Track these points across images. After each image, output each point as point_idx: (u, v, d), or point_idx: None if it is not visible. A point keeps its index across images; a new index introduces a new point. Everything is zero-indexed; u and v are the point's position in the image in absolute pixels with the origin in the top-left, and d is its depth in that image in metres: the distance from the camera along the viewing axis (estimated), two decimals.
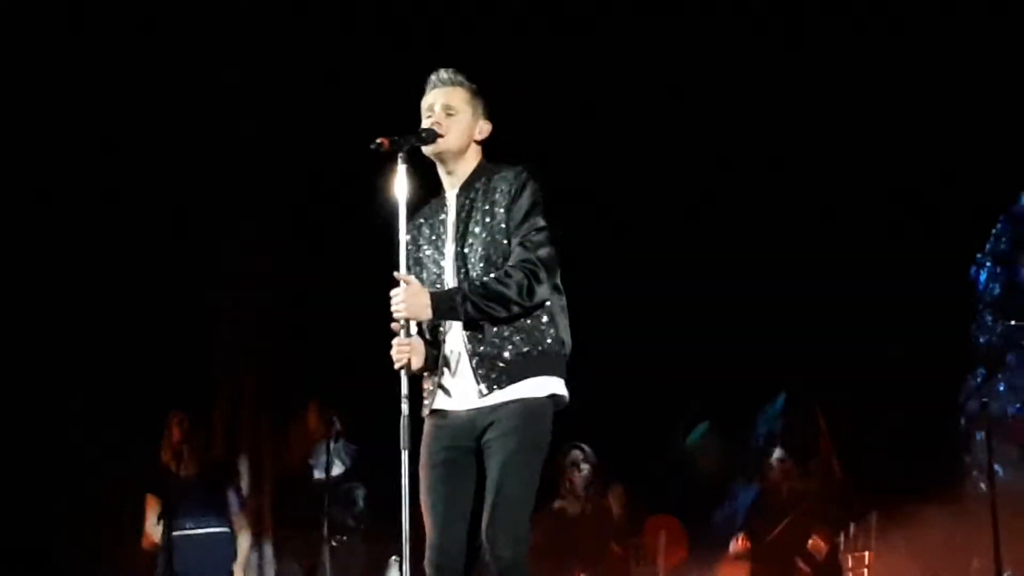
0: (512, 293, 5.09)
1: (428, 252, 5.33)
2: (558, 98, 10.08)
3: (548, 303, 5.21)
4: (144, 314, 10.40)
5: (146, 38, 10.30)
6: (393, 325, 5.14)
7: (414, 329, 5.15)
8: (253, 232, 11.18)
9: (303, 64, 10.60)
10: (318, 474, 9.39)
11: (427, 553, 5.16)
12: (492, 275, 5.13)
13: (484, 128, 5.37)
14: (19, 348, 10.16)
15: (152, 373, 10.27)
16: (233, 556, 9.09)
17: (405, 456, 5.07)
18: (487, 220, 5.22)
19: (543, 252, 5.16)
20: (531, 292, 5.11)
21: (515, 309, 5.12)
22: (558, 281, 5.26)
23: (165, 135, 10.45)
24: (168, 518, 8.87)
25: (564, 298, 5.30)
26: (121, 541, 9.75)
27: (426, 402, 5.25)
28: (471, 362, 5.16)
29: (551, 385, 5.20)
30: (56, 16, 10.20)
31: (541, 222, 5.20)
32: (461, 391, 5.20)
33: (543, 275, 5.13)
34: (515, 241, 5.18)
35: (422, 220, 5.41)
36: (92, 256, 10.39)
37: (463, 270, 5.22)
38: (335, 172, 9.84)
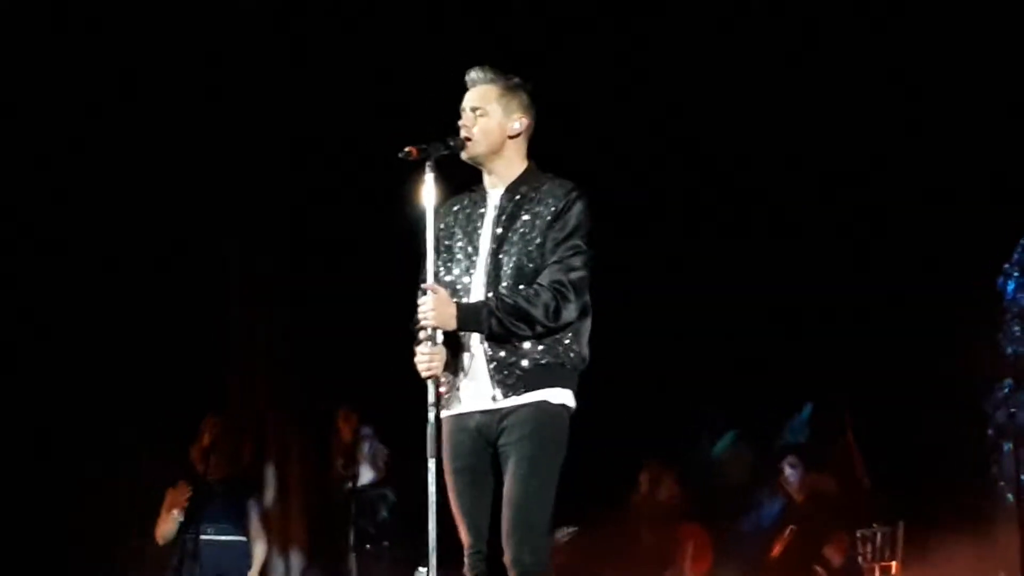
0: (539, 314, 5.09)
1: (461, 242, 5.31)
2: (581, 97, 10.08)
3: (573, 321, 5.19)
4: (168, 317, 10.41)
5: (157, 37, 10.35)
6: (420, 334, 5.15)
7: (440, 337, 5.15)
8: (277, 238, 11.19)
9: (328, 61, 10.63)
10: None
11: (466, 560, 5.17)
12: (521, 292, 5.11)
13: (521, 123, 5.31)
14: (35, 356, 10.18)
15: (178, 378, 10.29)
16: (248, 565, 9.10)
17: (432, 464, 5.08)
18: (526, 231, 5.20)
19: (575, 275, 5.14)
20: (557, 314, 5.11)
21: (539, 329, 5.11)
22: (587, 300, 5.23)
23: (182, 140, 10.47)
24: (187, 521, 8.89)
25: (590, 317, 5.27)
26: (133, 545, 9.76)
27: (444, 400, 5.23)
28: (488, 366, 5.16)
29: (564, 396, 5.21)
30: (62, 13, 10.24)
31: (581, 244, 5.18)
32: (475, 394, 5.20)
33: (572, 297, 5.12)
34: (551, 259, 5.16)
35: (458, 207, 5.38)
36: (114, 261, 10.41)
37: (494, 274, 5.20)
38: (361, 176, 9.84)
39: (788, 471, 9.78)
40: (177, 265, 10.49)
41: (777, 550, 9.58)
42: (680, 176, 10.33)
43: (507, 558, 5.06)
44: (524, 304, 5.09)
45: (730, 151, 10.29)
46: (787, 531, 9.54)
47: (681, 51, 10.23)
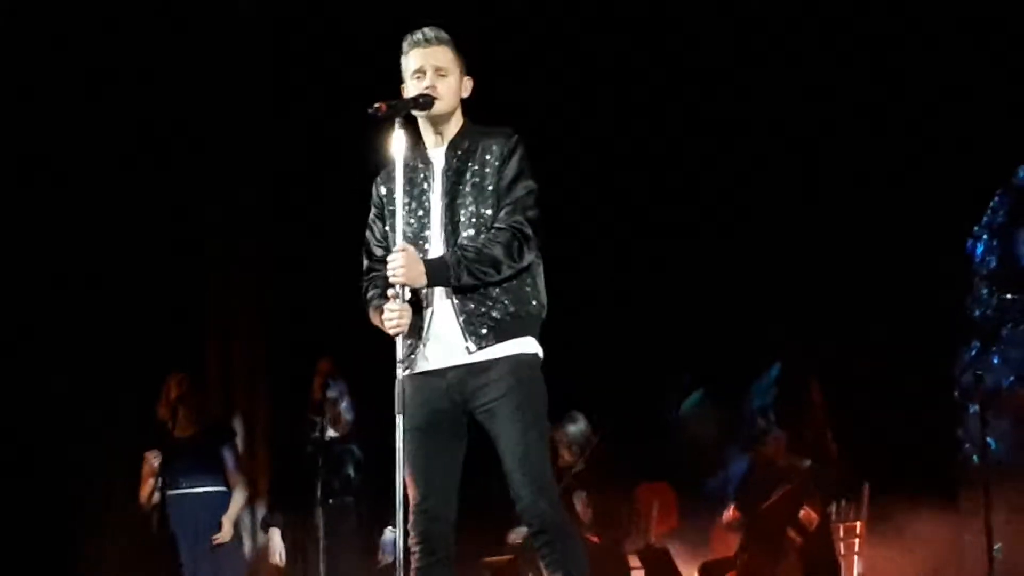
0: (503, 255, 5.14)
1: (411, 205, 5.31)
2: (545, 55, 10.07)
3: (531, 265, 5.26)
4: (136, 275, 10.39)
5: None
6: (388, 291, 5.15)
7: (408, 295, 5.15)
8: (247, 191, 11.18)
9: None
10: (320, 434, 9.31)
11: (412, 517, 5.16)
12: (482, 238, 5.16)
13: (467, 85, 5.39)
14: (6, 314, 10.16)
15: (145, 335, 10.28)
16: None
17: (400, 420, 5.08)
18: (477, 181, 5.24)
19: (531, 214, 5.22)
20: (520, 253, 5.17)
21: (506, 271, 5.17)
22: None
23: (156, 94, 10.46)
24: (163, 477, 8.89)
25: (541, 260, 5.34)
26: (111, 505, 9.77)
27: (408, 360, 5.21)
28: (459, 319, 5.19)
29: (534, 346, 5.27)
30: None
31: (531, 184, 5.26)
32: (445, 350, 5.22)
33: (531, 234, 5.19)
34: (505, 202, 5.21)
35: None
36: (82, 219, 10.38)
37: (451, 227, 5.23)
38: (329, 130, 9.83)
39: (774, 436, 9.75)
40: (153, 227, 10.49)
41: (766, 505, 9.58)
42: (646, 134, 10.31)
43: (522, 508, 5.11)
44: (489, 249, 5.14)
45: (696, 110, 10.28)
46: (780, 492, 9.52)
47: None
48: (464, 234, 5.20)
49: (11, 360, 10.14)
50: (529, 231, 5.19)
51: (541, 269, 5.35)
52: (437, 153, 5.36)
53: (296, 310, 10.61)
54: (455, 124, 5.37)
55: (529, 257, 5.21)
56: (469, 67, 5.39)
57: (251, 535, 10.77)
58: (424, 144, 5.40)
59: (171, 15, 10.45)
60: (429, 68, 5.29)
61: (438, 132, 5.36)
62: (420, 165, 5.35)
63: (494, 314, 5.18)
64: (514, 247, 5.15)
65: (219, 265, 11.22)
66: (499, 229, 5.17)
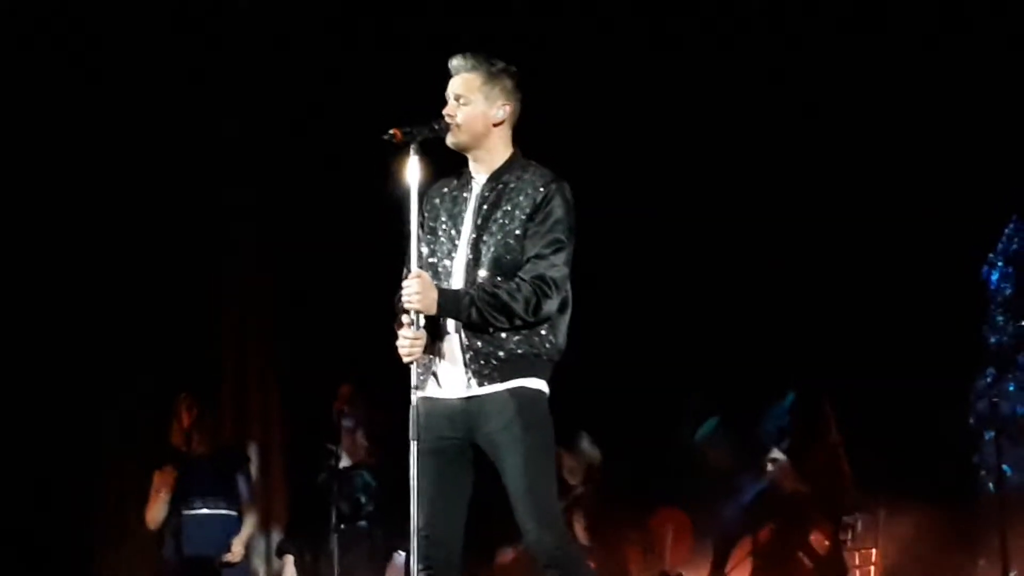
0: (519, 308, 5.08)
1: (445, 225, 5.30)
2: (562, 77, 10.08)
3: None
4: (149, 295, 10.40)
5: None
6: (403, 318, 5.15)
7: (422, 321, 5.13)
8: (262, 212, 11.19)
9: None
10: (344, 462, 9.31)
11: (416, 542, 5.12)
12: (503, 286, 5.10)
13: (504, 111, 5.28)
14: (23, 333, 10.16)
15: (159, 355, 10.30)
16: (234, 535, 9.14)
17: (414, 447, 5.06)
18: (505, 223, 5.19)
19: (556, 272, 5.13)
20: (537, 309, 5.10)
21: (517, 323, 5.10)
22: (567, 294, 5.23)
23: (180, 114, 10.47)
24: (178, 497, 8.89)
25: (570, 307, 5.27)
26: (125, 523, 9.77)
27: (419, 381, 5.19)
28: (464, 355, 5.16)
29: (539, 384, 5.21)
30: None
31: (562, 239, 5.17)
32: (451, 380, 5.19)
33: (553, 294, 5.11)
34: (531, 252, 5.14)
35: (446, 189, 5.36)
36: (98, 238, 10.40)
37: (473, 261, 5.20)
38: (347, 149, 9.84)
39: (770, 467, 9.74)
40: (168, 243, 10.50)
41: (763, 536, 9.56)
42: (665, 159, 10.32)
43: (528, 543, 5.10)
44: (505, 298, 5.08)
45: (714, 134, 10.28)
46: (768, 527, 9.49)
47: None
48: (481, 272, 5.17)
49: (26, 374, 10.16)
50: (551, 290, 5.10)
51: (566, 316, 5.26)
52: (479, 180, 5.32)
53: (312, 334, 10.61)
54: (496, 154, 5.30)
55: (547, 312, 5.12)
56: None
57: (266, 561, 10.78)
58: (470, 167, 5.36)
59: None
60: (451, 95, 5.27)
61: (477, 160, 5.32)
62: (464, 185, 5.34)
63: (500, 354, 5.13)
64: (531, 303, 5.08)
65: (233, 288, 11.21)
66: (522, 281, 5.10)
